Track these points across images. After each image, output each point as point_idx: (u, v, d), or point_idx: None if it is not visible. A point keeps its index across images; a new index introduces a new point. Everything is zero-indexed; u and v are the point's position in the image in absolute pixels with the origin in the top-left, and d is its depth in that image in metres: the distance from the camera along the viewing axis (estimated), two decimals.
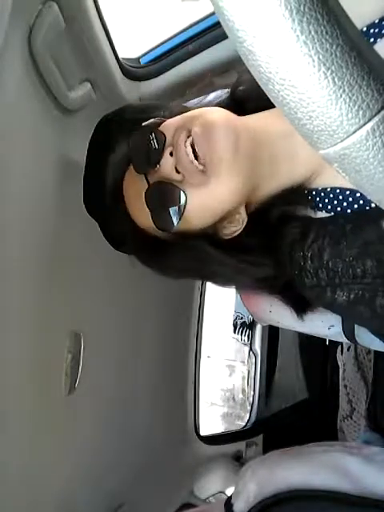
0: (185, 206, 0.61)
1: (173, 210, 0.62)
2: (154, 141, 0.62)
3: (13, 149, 0.67)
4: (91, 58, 0.81)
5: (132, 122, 0.66)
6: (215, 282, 0.76)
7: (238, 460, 1.60)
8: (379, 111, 0.25)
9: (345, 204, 0.62)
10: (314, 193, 0.65)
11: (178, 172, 0.61)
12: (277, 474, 0.78)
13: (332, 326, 1.16)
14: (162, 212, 0.62)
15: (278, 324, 1.33)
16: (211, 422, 2.31)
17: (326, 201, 0.64)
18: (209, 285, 1.51)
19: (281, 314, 1.22)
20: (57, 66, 0.72)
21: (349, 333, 1.14)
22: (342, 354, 1.69)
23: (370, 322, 0.68)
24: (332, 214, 0.64)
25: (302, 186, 0.65)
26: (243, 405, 2.29)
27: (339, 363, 1.70)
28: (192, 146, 0.59)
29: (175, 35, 1.05)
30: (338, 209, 0.63)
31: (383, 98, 0.25)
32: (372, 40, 0.62)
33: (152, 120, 0.65)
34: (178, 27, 1.06)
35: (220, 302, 2.14)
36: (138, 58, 1.06)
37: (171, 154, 0.61)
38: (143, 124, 0.64)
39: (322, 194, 0.64)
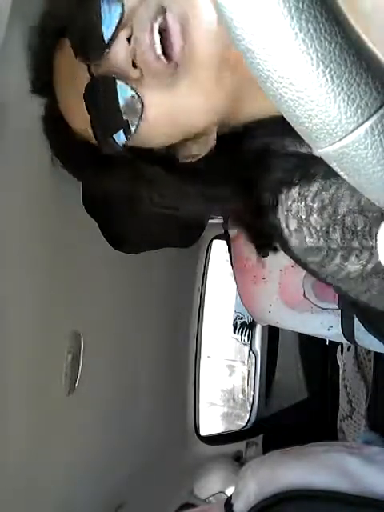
0: (140, 117, 0.43)
1: (120, 121, 0.44)
2: (105, 10, 0.41)
3: (12, 149, 0.67)
4: None
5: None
6: (161, 207, 0.55)
7: (238, 460, 1.60)
8: (378, 109, 0.25)
9: None
10: None
11: (134, 66, 0.42)
12: (277, 474, 0.77)
13: (331, 326, 1.17)
14: (105, 121, 0.45)
15: (278, 324, 1.33)
16: (211, 421, 2.31)
17: None
18: (209, 285, 1.51)
19: (280, 315, 1.23)
20: None
21: (348, 334, 1.14)
22: (342, 353, 1.69)
23: (373, 299, 0.53)
24: None
25: None
26: (243, 405, 2.29)
27: (339, 363, 1.70)
28: (162, 32, 0.40)
29: None
30: None
31: (381, 96, 0.25)
32: None
33: None
34: None
35: (220, 302, 2.14)
36: None
37: (129, 41, 0.42)
38: None
39: None
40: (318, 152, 0.28)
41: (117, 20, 0.41)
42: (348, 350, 1.66)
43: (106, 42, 0.42)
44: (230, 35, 0.26)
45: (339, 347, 1.69)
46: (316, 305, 1.13)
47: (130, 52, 0.42)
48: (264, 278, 1.16)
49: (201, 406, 1.55)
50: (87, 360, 0.91)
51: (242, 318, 1.98)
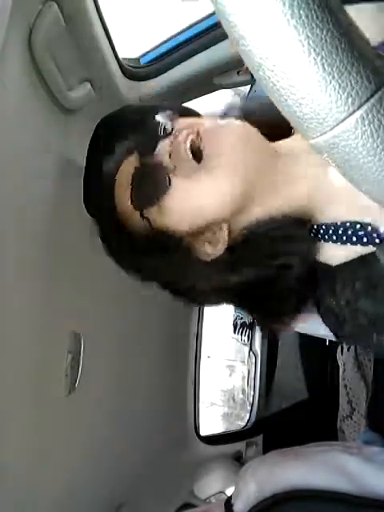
0: (166, 191, 0.59)
1: (153, 192, 0.60)
2: (163, 129, 0.61)
3: (13, 148, 0.67)
4: (91, 58, 0.81)
5: (131, 123, 0.66)
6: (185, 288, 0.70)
7: (238, 460, 1.60)
8: (368, 99, 0.24)
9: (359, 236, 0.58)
10: (324, 227, 0.60)
11: (170, 157, 0.59)
12: (277, 474, 0.77)
13: None
14: (142, 190, 0.61)
15: None
16: (211, 422, 2.30)
17: (339, 234, 0.59)
18: None
19: None
20: (57, 66, 0.72)
21: None
22: (342, 353, 1.69)
23: None
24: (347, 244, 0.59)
25: (303, 219, 0.60)
26: (243, 405, 2.29)
27: (339, 363, 1.70)
28: (192, 145, 0.58)
29: (175, 35, 1.06)
30: (354, 239, 0.58)
31: (372, 85, 0.24)
32: None
33: (171, 112, 0.64)
34: (177, 27, 1.06)
35: None
36: (138, 58, 1.06)
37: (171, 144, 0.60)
38: (160, 114, 0.63)
39: (333, 228, 0.59)
40: (309, 143, 0.27)
41: (167, 134, 0.60)
42: (348, 350, 1.66)
43: (156, 143, 0.60)
44: (223, 22, 0.26)
45: (339, 347, 1.69)
46: None
47: (170, 150, 0.59)
48: None
49: (201, 406, 1.55)
50: (87, 360, 0.91)
51: (242, 319, 1.97)
